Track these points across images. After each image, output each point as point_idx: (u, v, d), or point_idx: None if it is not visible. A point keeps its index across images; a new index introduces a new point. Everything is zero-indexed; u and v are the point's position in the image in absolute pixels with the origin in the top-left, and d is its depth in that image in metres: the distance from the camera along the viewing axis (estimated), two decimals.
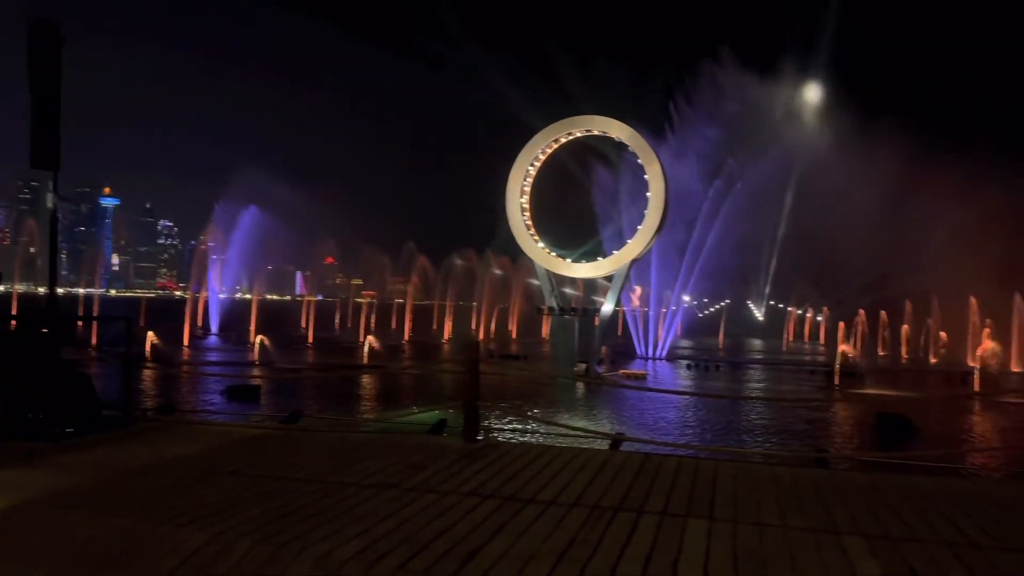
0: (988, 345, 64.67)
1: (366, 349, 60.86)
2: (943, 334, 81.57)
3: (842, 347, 58.96)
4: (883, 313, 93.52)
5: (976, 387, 50.89)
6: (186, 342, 73.45)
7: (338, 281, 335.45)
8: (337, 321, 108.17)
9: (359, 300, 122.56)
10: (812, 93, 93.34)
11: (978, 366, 55.57)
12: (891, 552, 6.40)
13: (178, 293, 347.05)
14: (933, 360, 75.90)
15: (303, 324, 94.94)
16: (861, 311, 68.06)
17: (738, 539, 6.70)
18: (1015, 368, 65.62)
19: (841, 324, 65.67)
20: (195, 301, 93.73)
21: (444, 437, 12.07)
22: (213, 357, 64.60)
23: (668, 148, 78.54)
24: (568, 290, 73.79)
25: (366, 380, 46.41)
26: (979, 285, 74.34)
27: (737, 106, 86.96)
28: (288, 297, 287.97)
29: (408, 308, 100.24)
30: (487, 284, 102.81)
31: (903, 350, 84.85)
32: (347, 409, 34.58)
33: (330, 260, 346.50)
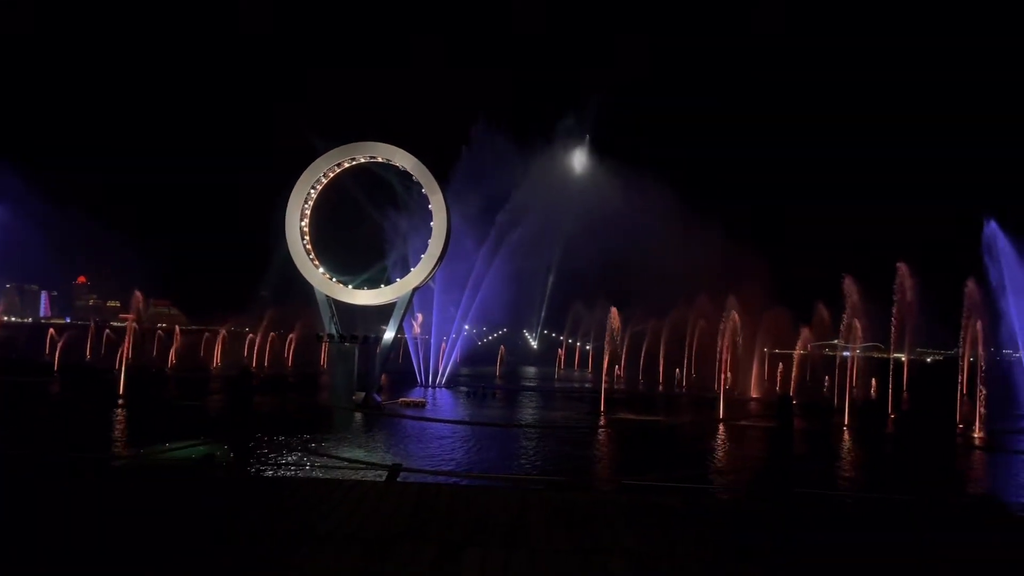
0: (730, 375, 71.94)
1: (123, 378, 55.71)
2: (693, 364, 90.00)
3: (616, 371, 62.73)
4: (645, 344, 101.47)
5: (721, 412, 56.40)
6: None
7: (91, 303, 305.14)
8: (89, 346, 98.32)
9: (117, 324, 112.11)
10: (580, 158, 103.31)
11: (723, 393, 61.49)
12: (647, 568, 6.93)
13: None
14: (684, 388, 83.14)
15: (47, 350, 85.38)
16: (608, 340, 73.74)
17: (511, 564, 6.93)
18: (754, 394, 73.54)
19: (606, 354, 70.15)
20: None
21: (212, 473, 11.37)
22: None
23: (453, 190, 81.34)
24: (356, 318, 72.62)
25: (120, 413, 42.57)
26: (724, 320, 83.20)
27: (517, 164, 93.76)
28: (30, 320, 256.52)
29: (176, 334, 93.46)
30: (264, 310, 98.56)
31: (660, 378, 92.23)
32: (98, 445, 31.42)
33: (82, 280, 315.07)
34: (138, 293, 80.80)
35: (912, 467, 37.02)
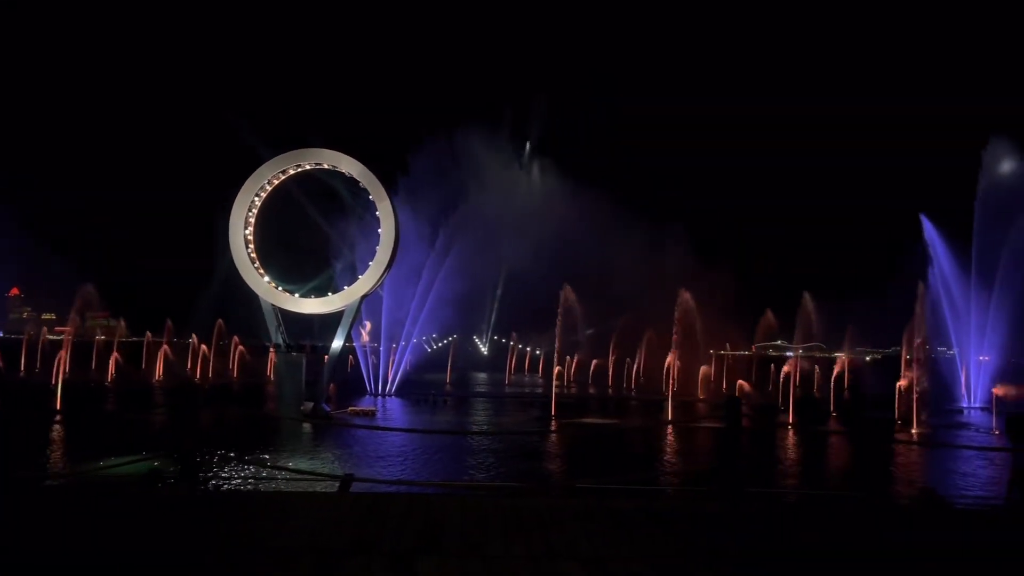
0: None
1: (60, 392, 53.87)
2: (642, 368, 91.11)
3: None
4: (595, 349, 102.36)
5: (670, 415, 57.09)
6: None
7: (25, 315, 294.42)
8: (23, 360, 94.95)
9: (53, 337, 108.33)
10: (527, 163, 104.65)
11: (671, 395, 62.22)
12: (604, 572, 6.97)
13: None
14: (634, 391, 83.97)
15: None
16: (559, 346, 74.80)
17: (466, 572, 6.91)
18: (701, 396, 74.62)
19: (557, 358, 70.60)
20: None
21: (158, 489, 11.07)
22: None
23: (403, 191, 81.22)
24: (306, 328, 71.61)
25: (58, 429, 41.22)
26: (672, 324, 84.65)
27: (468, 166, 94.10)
28: None
29: (115, 346, 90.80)
30: (208, 320, 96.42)
31: (610, 382, 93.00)
32: (36, 462, 30.36)
33: (15, 291, 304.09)
34: (90, 287, 77.29)
35: (855, 464, 38.04)
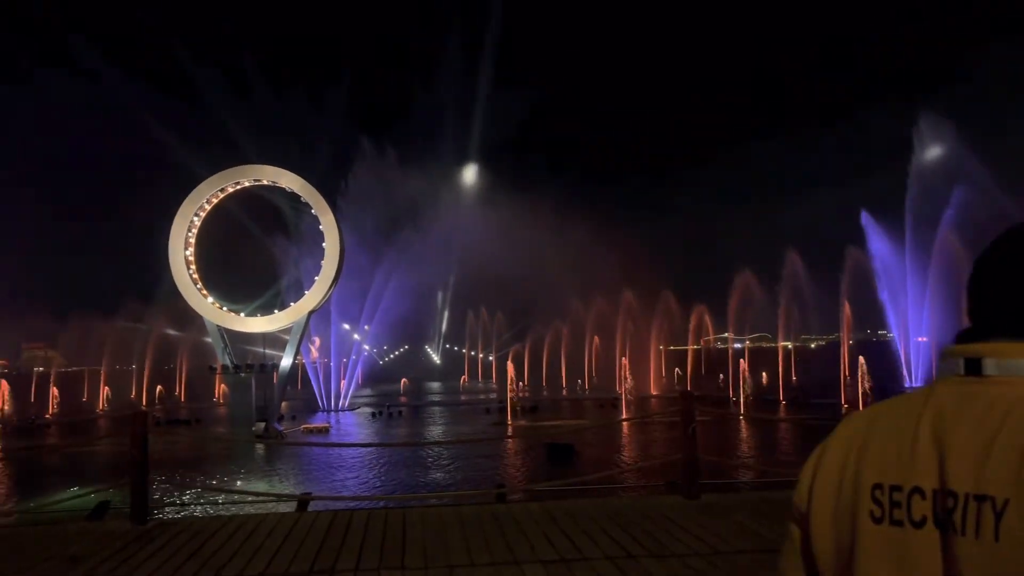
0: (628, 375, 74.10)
1: None
2: (594, 366, 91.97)
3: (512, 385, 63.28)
4: (546, 350, 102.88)
5: (624, 412, 57.68)
6: None
7: None
8: None
9: None
10: (470, 173, 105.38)
11: (624, 393, 62.88)
12: (566, 574, 7.03)
13: None
14: (587, 391, 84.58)
15: None
16: (512, 351, 75.30)
17: None
18: (653, 392, 75.59)
19: (510, 364, 70.69)
20: None
21: (108, 522, 10.76)
22: None
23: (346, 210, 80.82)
24: (254, 347, 70.39)
25: None
26: (622, 323, 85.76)
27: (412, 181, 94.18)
28: None
29: (52, 377, 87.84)
30: (150, 345, 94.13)
31: (563, 383, 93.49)
32: None
33: None
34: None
35: (805, 451, 38.89)
